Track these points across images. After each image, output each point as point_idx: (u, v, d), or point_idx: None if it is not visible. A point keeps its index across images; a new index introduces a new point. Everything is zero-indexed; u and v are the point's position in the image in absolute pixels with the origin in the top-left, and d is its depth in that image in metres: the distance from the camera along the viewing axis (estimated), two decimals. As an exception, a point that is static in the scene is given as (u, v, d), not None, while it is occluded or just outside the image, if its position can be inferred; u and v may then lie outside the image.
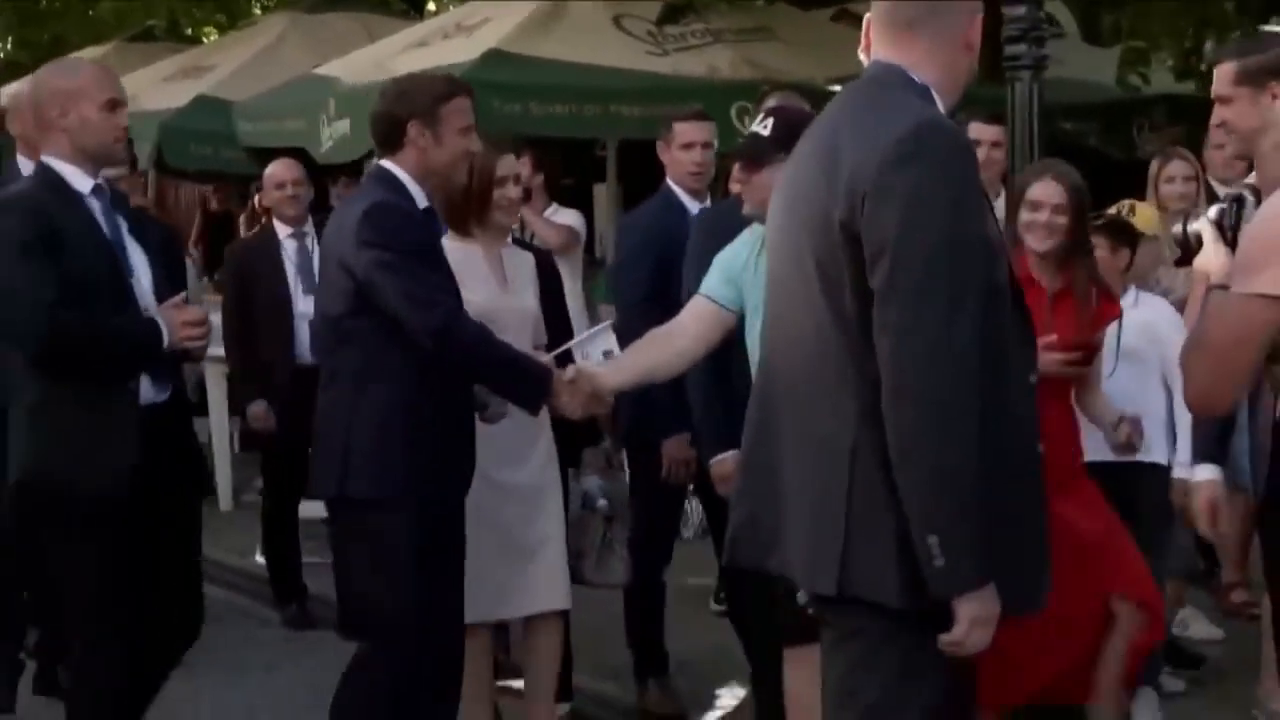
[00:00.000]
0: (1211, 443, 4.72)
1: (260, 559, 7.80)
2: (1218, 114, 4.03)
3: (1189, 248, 3.56)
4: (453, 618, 4.67)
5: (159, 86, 13.06)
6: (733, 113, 8.76)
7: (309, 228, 7.39)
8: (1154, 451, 5.31)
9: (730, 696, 6.09)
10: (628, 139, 10.46)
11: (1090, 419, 5.05)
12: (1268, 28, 9.94)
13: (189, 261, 11.32)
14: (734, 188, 5.20)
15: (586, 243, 8.92)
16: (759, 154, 4.50)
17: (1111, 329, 5.12)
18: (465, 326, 4.45)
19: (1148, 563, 4.92)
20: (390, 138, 4.57)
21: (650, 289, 5.62)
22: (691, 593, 7.09)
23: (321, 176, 9.58)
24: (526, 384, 4.52)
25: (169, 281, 4.74)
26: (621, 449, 6.93)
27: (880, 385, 2.98)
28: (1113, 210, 5.63)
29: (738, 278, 4.58)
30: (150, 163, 11.65)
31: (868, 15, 3.31)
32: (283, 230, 7.44)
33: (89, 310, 4.40)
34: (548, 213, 8.19)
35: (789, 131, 4.21)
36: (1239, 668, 5.93)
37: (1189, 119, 10.58)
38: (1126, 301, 5.30)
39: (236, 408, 8.23)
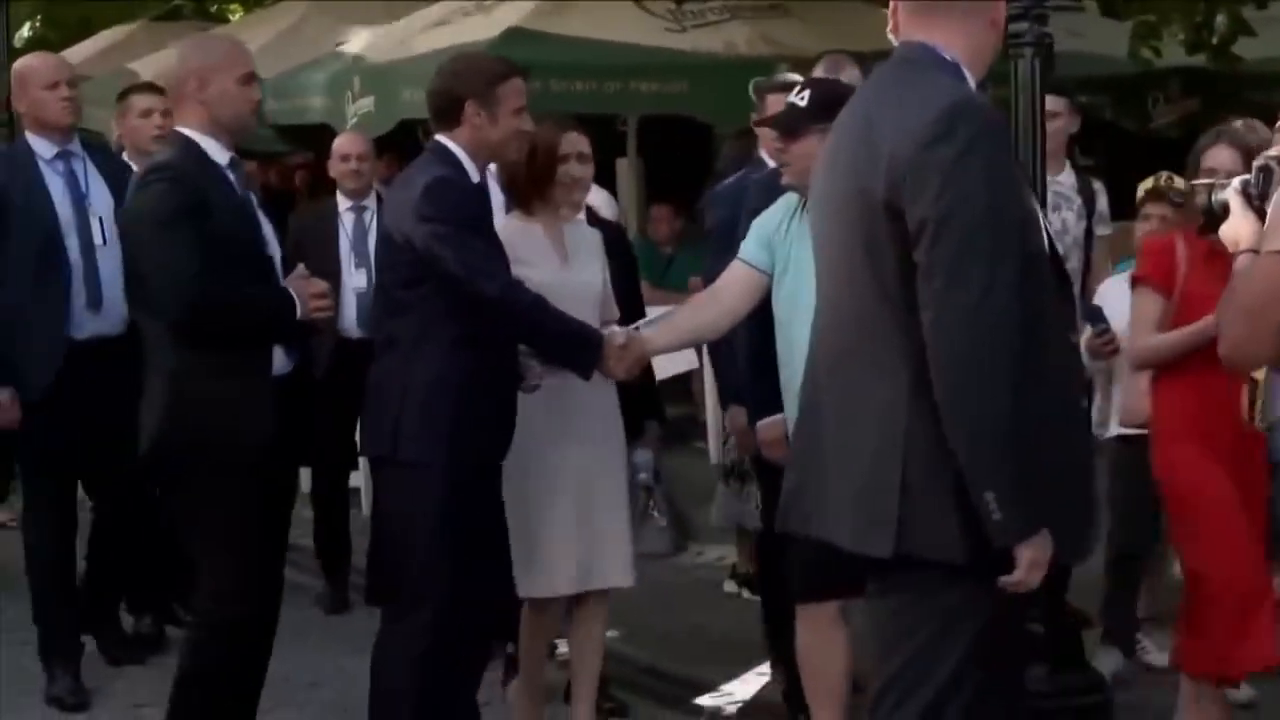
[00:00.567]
0: None
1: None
2: None
3: (1214, 216, 3.67)
4: (485, 588, 4.70)
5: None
6: (750, 89, 8.85)
7: (369, 201, 7.30)
8: None
9: (756, 674, 6.08)
10: (647, 114, 10.61)
11: None
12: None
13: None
14: (770, 158, 5.31)
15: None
16: (794, 124, 4.63)
17: None
18: (521, 296, 4.59)
19: None
20: (447, 114, 4.67)
21: None
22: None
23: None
24: (579, 350, 4.65)
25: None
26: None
27: (927, 353, 3.14)
28: (1149, 183, 5.66)
29: (770, 241, 4.73)
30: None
31: (892, -4, 3.42)
32: (344, 203, 7.36)
33: (231, 280, 4.49)
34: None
35: (824, 102, 4.37)
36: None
37: (1203, 91, 10.69)
38: None
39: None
